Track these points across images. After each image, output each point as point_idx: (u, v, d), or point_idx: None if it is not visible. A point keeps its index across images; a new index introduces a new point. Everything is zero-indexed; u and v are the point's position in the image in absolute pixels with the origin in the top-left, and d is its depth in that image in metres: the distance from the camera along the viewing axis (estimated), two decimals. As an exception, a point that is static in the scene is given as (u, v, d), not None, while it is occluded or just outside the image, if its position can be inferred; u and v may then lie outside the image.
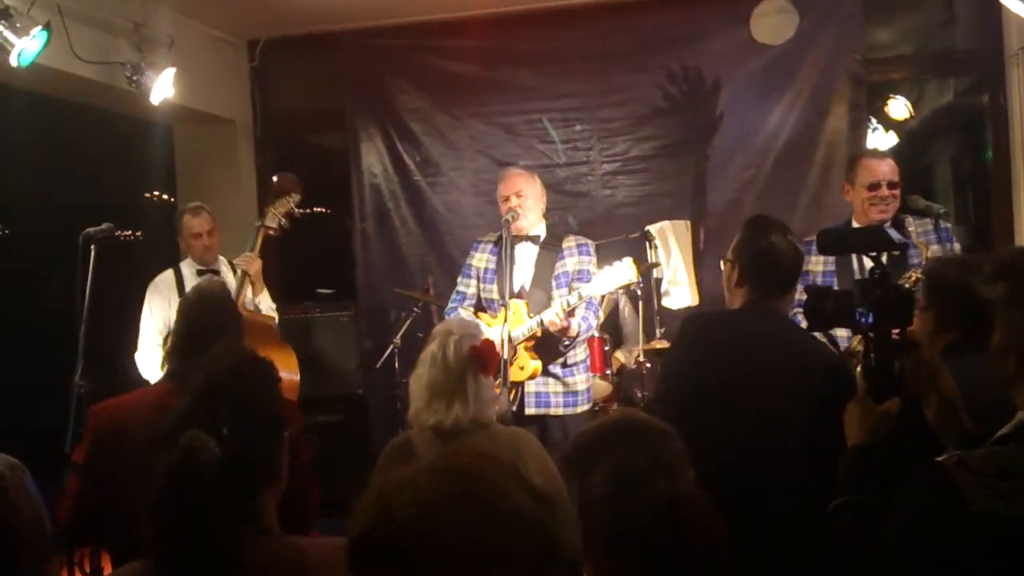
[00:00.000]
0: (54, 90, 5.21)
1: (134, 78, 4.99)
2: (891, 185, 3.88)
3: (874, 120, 6.03)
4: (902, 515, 1.56)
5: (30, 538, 2.75)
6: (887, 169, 3.91)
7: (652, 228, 4.98)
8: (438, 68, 6.09)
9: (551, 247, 4.37)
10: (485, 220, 6.00)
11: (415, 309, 5.57)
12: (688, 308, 5.09)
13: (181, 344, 2.86)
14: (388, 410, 5.80)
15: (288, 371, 4.18)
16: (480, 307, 4.45)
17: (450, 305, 4.55)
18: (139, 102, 5.20)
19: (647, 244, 5.04)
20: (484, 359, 2.75)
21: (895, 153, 6.60)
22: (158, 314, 4.62)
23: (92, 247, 3.70)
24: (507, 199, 4.33)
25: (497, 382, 2.88)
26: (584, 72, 5.90)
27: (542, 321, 4.07)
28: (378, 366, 5.59)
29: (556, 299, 4.12)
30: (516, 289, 4.27)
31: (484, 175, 6.10)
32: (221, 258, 4.90)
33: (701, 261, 5.43)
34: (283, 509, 2.77)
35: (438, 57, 6.08)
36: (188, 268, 4.80)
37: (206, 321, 2.84)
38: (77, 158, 7.15)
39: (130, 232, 9.19)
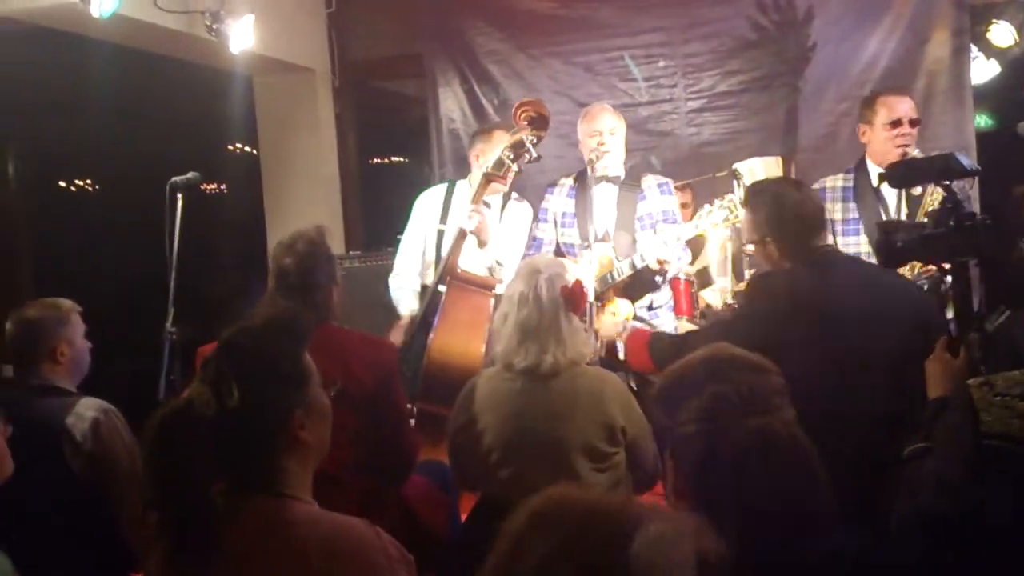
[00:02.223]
0: (136, 41, 5.24)
1: (214, 27, 4.98)
2: (912, 122, 3.67)
3: (975, 47, 5.71)
4: (935, 435, 1.61)
5: (125, 479, 2.81)
6: (908, 106, 3.71)
7: (740, 166, 4.79)
8: (514, 7, 5.94)
9: (631, 187, 4.24)
10: (565, 163, 5.87)
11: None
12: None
13: (272, 293, 2.86)
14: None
15: (468, 353, 3.73)
16: (559, 252, 4.31)
17: (526, 252, 4.43)
18: (220, 52, 5.19)
19: (735, 182, 4.87)
20: (575, 298, 2.69)
21: (996, 83, 6.30)
22: (417, 234, 4.36)
23: (179, 196, 3.70)
24: (598, 134, 4.17)
25: (585, 324, 2.81)
26: (666, 5, 5.69)
27: (633, 264, 3.93)
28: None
29: (650, 242, 3.96)
30: (600, 233, 4.12)
31: (564, 116, 5.94)
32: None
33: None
34: (376, 458, 2.79)
35: (514, -4, 5.93)
36: (463, 191, 4.40)
37: (293, 271, 2.83)
38: (160, 111, 7.23)
39: (215, 185, 9.33)
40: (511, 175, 4.10)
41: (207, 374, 1.63)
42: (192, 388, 1.63)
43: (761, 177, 5.12)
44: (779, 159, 4.97)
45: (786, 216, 2.60)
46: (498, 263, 4.17)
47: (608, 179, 4.23)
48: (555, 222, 4.37)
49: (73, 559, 2.77)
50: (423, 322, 3.96)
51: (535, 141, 4.01)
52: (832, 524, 1.43)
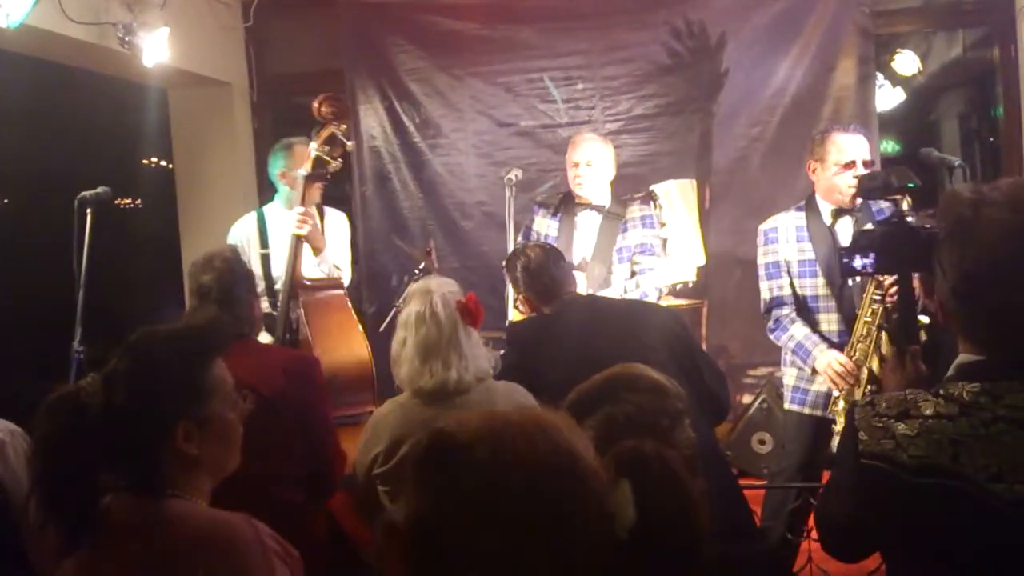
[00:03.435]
0: (45, 52, 5.10)
1: (126, 39, 4.88)
2: (866, 164, 3.54)
3: (881, 75, 5.92)
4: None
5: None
6: (862, 146, 3.57)
7: (657, 188, 4.89)
8: (437, 26, 5.96)
9: (615, 217, 4.23)
10: (486, 182, 5.93)
11: (416, 271, 5.51)
12: (696, 267, 5.02)
13: (199, 305, 2.86)
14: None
15: (353, 350, 3.77)
16: None
17: None
18: (133, 65, 5.09)
19: (652, 204, 4.96)
20: (472, 312, 2.70)
21: (902, 109, 6.56)
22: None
23: (88, 211, 3.62)
24: (575, 166, 4.20)
25: (484, 340, 2.83)
26: (586, 29, 5.77)
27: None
28: (381, 330, 5.53)
29: (615, 279, 4.05)
30: (577, 261, 4.16)
31: (485, 136, 6.02)
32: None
33: (707, 220, 5.36)
34: (303, 470, 2.77)
35: (437, 15, 5.95)
36: (275, 212, 4.36)
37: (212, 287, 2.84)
38: (72, 124, 7.05)
39: (128, 200, 9.12)
40: (332, 169, 4.04)
41: (105, 368, 1.65)
42: (86, 378, 1.65)
43: (676, 199, 5.25)
44: (694, 182, 5.10)
45: (530, 275, 3.21)
46: (336, 267, 4.10)
47: (592, 207, 4.24)
48: None
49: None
50: (289, 344, 3.85)
51: (344, 130, 4.03)
52: (699, 545, 1.47)
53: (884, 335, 3.18)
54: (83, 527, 1.58)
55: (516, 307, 3.42)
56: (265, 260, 4.25)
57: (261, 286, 4.12)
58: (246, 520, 1.66)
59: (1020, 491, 1.44)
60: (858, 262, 2.11)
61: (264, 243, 4.31)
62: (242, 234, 4.36)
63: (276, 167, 4.36)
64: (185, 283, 2.98)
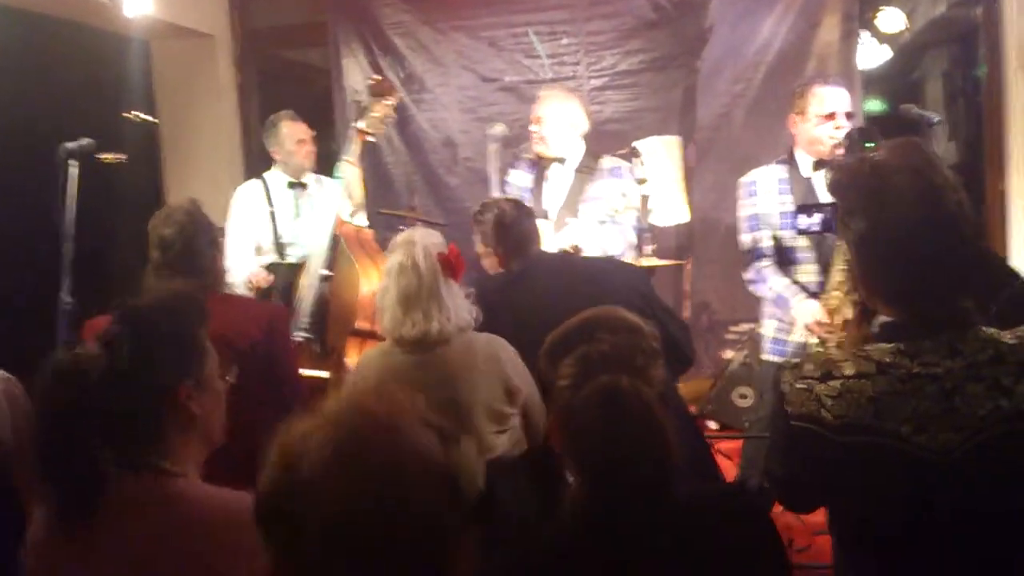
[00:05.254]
0: (26, 3, 5.06)
1: (108, -11, 4.84)
2: (848, 115, 3.60)
3: (866, 33, 5.93)
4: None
5: (26, 447, 2.76)
6: (843, 98, 3.63)
7: (640, 144, 4.90)
8: (421, -21, 5.93)
9: (587, 169, 4.31)
10: (470, 138, 5.93)
11: (400, 227, 5.51)
12: (679, 225, 5.06)
13: (157, 264, 2.86)
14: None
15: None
16: None
17: None
18: (115, 16, 5.05)
19: (635, 160, 4.98)
20: (452, 264, 2.74)
21: (886, 67, 6.56)
22: (246, 224, 4.61)
23: (72, 162, 3.61)
24: (534, 121, 4.30)
25: (466, 291, 2.87)
26: (571, -18, 5.76)
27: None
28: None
29: (568, 223, 4.10)
30: (546, 211, 4.24)
31: (469, 91, 6.00)
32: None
33: (691, 177, 5.39)
34: (274, 420, 2.81)
35: (421, -33, 5.92)
36: (276, 179, 4.73)
37: (178, 242, 2.84)
38: (54, 76, 6.97)
39: (111, 155, 9.03)
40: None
41: (103, 334, 1.63)
42: (84, 347, 1.62)
43: (661, 155, 5.26)
44: (677, 138, 5.09)
45: (504, 233, 3.24)
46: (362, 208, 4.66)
47: (558, 161, 4.30)
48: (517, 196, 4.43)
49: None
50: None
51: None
52: (671, 476, 1.53)
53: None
54: (83, 500, 1.55)
55: (480, 260, 3.41)
56: (272, 217, 4.65)
57: (269, 241, 4.63)
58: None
59: (944, 439, 1.50)
60: (803, 221, 2.18)
61: (270, 202, 4.67)
62: (249, 197, 4.69)
63: (267, 145, 4.79)
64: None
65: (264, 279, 4.42)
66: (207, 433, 1.74)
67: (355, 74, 6.11)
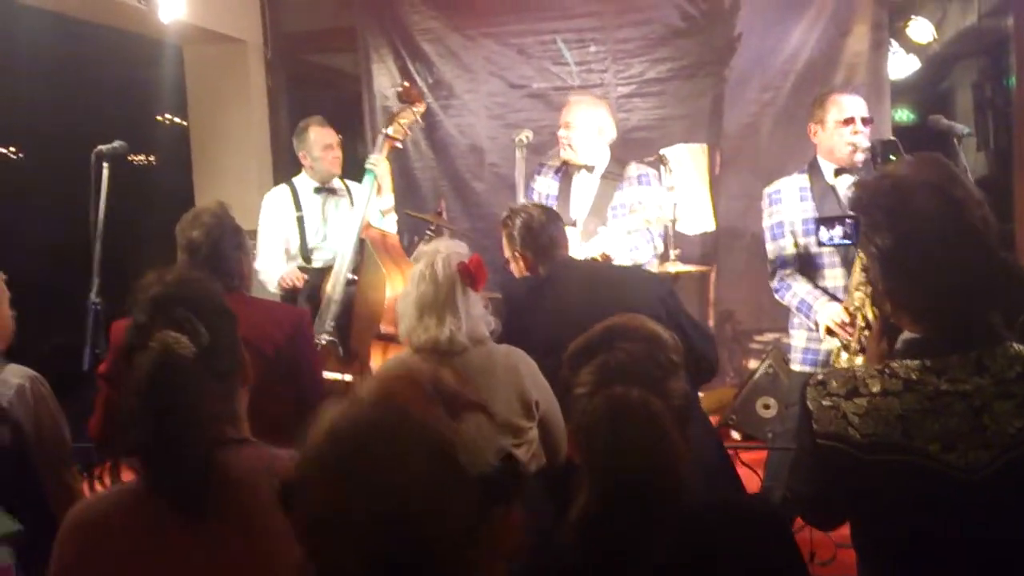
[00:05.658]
0: (64, 7, 5.15)
1: (143, -5, 4.92)
2: (864, 121, 3.62)
3: (895, 43, 5.90)
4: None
5: (51, 446, 2.81)
6: (860, 105, 3.66)
7: (667, 152, 4.91)
8: (450, -15, 5.98)
9: (614, 176, 4.30)
10: (497, 144, 5.96)
11: (428, 232, 5.55)
12: (704, 233, 5.05)
13: (183, 266, 2.88)
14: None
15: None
16: None
17: None
18: (150, 20, 5.13)
19: (662, 168, 4.98)
20: (472, 274, 2.74)
21: (916, 77, 6.52)
22: (276, 228, 4.64)
23: (105, 164, 3.68)
24: (564, 126, 4.30)
25: (485, 301, 2.87)
26: (600, -8, 5.78)
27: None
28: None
29: (600, 233, 4.11)
30: (572, 219, 4.24)
31: (497, 98, 6.03)
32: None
33: (717, 185, 5.38)
34: (295, 424, 2.84)
35: (450, -25, 5.96)
36: (304, 184, 4.73)
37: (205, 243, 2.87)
38: (89, 80, 7.09)
39: (143, 156, 9.16)
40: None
41: (164, 322, 1.57)
42: (157, 336, 1.55)
43: (688, 163, 5.26)
44: (704, 146, 5.09)
45: (529, 236, 3.25)
46: (392, 210, 4.74)
47: (586, 168, 4.31)
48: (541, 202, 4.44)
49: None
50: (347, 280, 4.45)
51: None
52: (678, 489, 1.52)
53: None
54: (201, 483, 1.51)
55: (507, 265, 3.42)
56: (300, 222, 4.65)
57: (296, 245, 4.64)
58: None
59: (973, 457, 1.49)
60: (824, 234, 2.18)
61: (298, 207, 4.67)
62: (278, 202, 4.70)
63: (296, 149, 4.77)
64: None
65: (298, 277, 4.44)
66: (247, 391, 1.73)
67: (384, 79, 6.15)
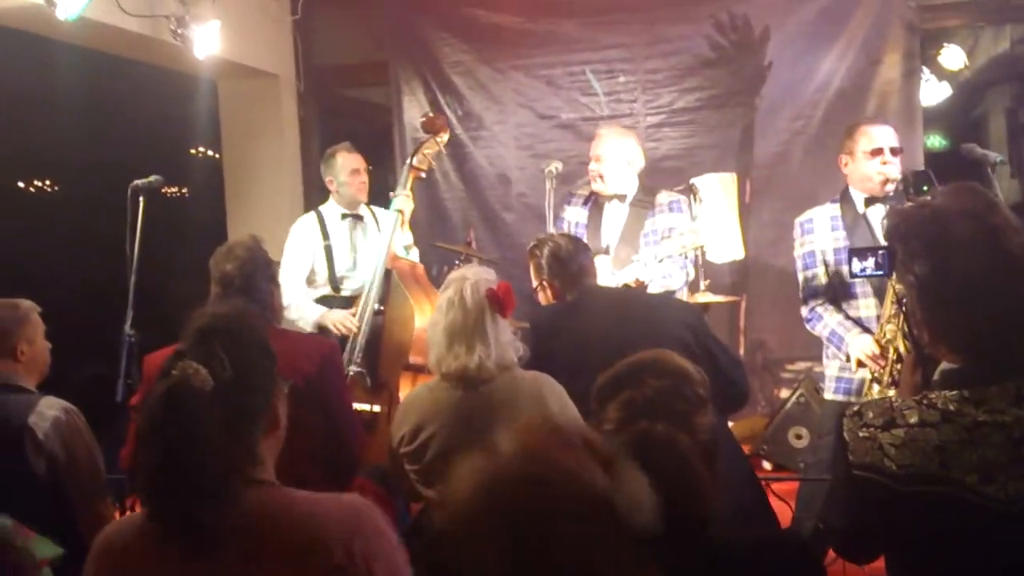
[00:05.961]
0: (100, 44, 5.25)
1: (179, 31, 5.00)
2: (893, 151, 3.63)
3: (926, 70, 5.87)
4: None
5: (86, 477, 2.83)
6: (889, 135, 3.66)
7: (697, 181, 4.90)
8: (480, 20, 6.04)
9: (643, 204, 4.33)
10: (527, 175, 5.99)
11: (457, 263, 5.56)
12: (734, 261, 5.03)
13: (217, 299, 2.91)
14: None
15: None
16: None
17: None
18: (184, 57, 5.21)
19: (692, 197, 4.97)
20: (500, 300, 2.73)
21: (948, 104, 6.48)
22: (301, 258, 4.64)
23: (140, 199, 3.73)
24: (594, 159, 4.33)
25: (514, 328, 2.86)
26: (629, 23, 5.81)
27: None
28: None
29: (634, 260, 4.11)
30: (604, 247, 4.27)
31: (526, 129, 6.07)
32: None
33: (747, 214, 5.36)
34: (326, 456, 2.83)
35: (480, 8, 6.02)
36: (331, 211, 4.75)
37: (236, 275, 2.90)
38: (124, 114, 7.21)
39: (176, 189, 9.29)
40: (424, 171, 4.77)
41: (194, 353, 1.58)
42: (178, 367, 1.56)
43: (718, 192, 5.24)
44: (734, 176, 5.08)
45: (559, 266, 3.25)
46: (413, 245, 4.75)
47: (617, 197, 4.34)
48: (570, 231, 4.46)
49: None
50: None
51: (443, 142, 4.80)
52: (704, 525, 1.50)
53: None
54: (213, 518, 1.50)
55: (535, 294, 3.42)
56: (328, 251, 4.67)
57: (324, 274, 4.66)
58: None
59: (1014, 489, 1.47)
60: (856, 265, 2.17)
61: (325, 236, 4.69)
62: (305, 230, 4.72)
63: (323, 175, 4.80)
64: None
65: (352, 325, 4.38)
66: (278, 441, 1.72)
67: (414, 111, 6.20)
